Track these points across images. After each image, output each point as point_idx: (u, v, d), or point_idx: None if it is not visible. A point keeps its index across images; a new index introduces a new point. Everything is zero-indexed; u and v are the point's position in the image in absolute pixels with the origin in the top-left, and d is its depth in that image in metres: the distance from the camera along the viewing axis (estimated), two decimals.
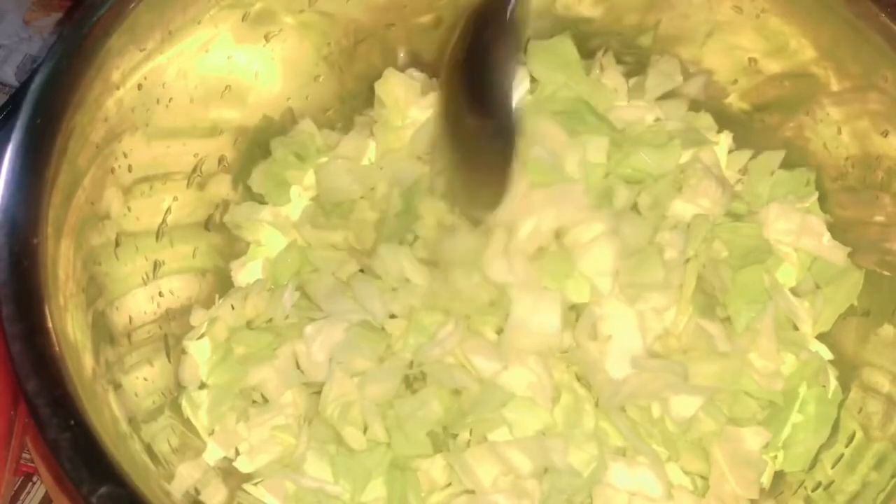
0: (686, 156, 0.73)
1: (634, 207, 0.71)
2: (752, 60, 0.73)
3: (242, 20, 0.68)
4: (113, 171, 0.61)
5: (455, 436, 0.64)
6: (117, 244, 0.62)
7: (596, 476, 0.62)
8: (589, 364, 0.64)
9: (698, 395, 0.63)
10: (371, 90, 0.79)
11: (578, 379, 0.65)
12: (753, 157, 0.76)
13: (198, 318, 0.71)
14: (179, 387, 0.68)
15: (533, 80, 0.76)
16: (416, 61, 0.81)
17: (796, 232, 0.71)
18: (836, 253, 0.70)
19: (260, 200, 0.77)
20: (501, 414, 0.63)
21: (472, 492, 0.63)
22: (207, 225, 0.74)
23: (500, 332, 0.65)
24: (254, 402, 0.69)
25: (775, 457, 0.67)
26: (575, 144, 0.70)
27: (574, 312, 0.66)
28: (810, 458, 0.66)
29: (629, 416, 0.64)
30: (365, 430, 0.65)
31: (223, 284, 0.75)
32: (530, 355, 0.63)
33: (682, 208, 0.70)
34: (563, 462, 0.61)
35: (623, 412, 0.64)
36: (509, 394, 0.63)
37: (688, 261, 0.65)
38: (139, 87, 0.62)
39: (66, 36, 0.58)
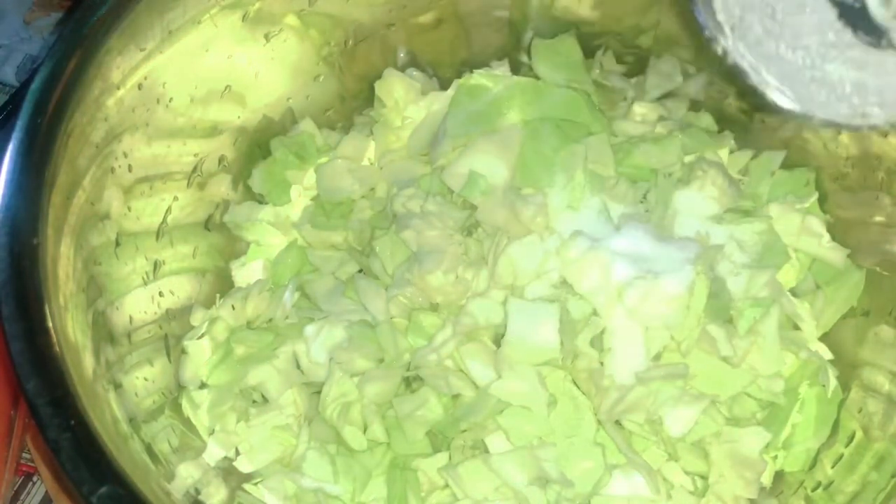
0: (691, 157, 0.73)
1: (643, 205, 0.70)
2: None
3: (242, 20, 0.68)
4: (113, 170, 0.61)
5: (452, 440, 0.64)
6: (117, 244, 0.62)
7: (600, 486, 0.62)
8: (589, 373, 0.64)
9: (697, 405, 0.63)
10: (371, 90, 0.79)
11: (577, 385, 0.65)
12: (754, 157, 0.76)
13: (198, 317, 0.71)
14: (179, 387, 0.68)
15: (536, 77, 0.76)
16: (416, 61, 0.81)
17: (796, 233, 0.71)
18: (835, 254, 0.70)
19: (260, 200, 0.77)
20: (496, 420, 0.63)
21: None
22: (207, 225, 0.74)
23: (496, 339, 0.65)
24: (254, 402, 0.69)
25: (775, 457, 0.67)
26: (575, 151, 0.70)
27: (579, 321, 0.66)
28: (810, 458, 0.66)
29: (626, 427, 0.64)
30: (365, 430, 0.65)
31: (223, 284, 0.75)
32: (524, 365, 0.63)
33: (690, 200, 0.69)
34: (556, 472, 0.61)
35: (619, 425, 0.64)
36: (504, 403, 0.63)
37: (698, 273, 0.65)
38: (139, 87, 0.62)
39: (66, 36, 0.58)
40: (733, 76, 0.52)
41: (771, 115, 0.75)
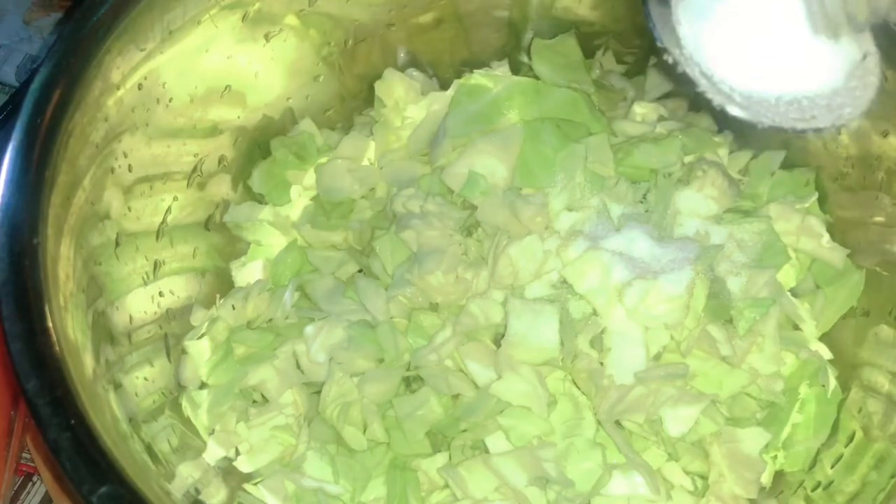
0: (691, 157, 0.73)
1: (643, 205, 0.70)
2: None
3: (242, 20, 0.68)
4: (113, 170, 0.61)
5: (452, 440, 0.64)
6: (117, 244, 0.62)
7: (600, 486, 0.62)
8: (589, 373, 0.64)
9: (697, 405, 0.63)
10: (371, 90, 0.79)
11: (577, 385, 0.65)
12: (753, 157, 0.76)
13: (198, 317, 0.71)
14: (179, 387, 0.68)
15: (536, 77, 0.76)
16: (416, 61, 0.81)
17: (795, 233, 0.71)
18: (835, 254, 0.70)
19: (260, 200, 0.77)
20: (496, 420, 0.63)
21: None
22: (207, 225, 0.74)
23: (496, 339, 0.65)
24: (254, 402, 0.69)
25: (775, 457, 0.68)
26: (575, 151, 0.70)
27: (579, 322, 0.66)
28: (810, 458, 0.66)
29: (626, 427, 0.64)
30: (365, 430, 0.65)
31: (223, 284, 0.75)
32: (524, 365, 0.63)
33: (690, 200, 0.69)
34: (556, 472, 0.61)
35: (619, 426, 0.64)
36: (504, 403, 0.63)
37: (698, 274, 0.65)
38: (139, 87, 0.62)
39: (66, 36, 0.58)
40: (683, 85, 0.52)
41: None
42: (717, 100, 0.53)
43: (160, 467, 0.58)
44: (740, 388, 0.65)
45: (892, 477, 0.59)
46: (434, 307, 0.68)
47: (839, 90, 0.53)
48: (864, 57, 0.53)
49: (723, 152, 0.76)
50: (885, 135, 0.65)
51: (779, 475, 0.68)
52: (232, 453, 0.67)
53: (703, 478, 0.65)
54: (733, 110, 0.52)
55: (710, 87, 0.53)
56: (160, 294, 0.67)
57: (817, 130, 0.53)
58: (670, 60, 0.52)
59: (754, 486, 0.64)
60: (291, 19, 0.72)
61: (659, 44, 0.52)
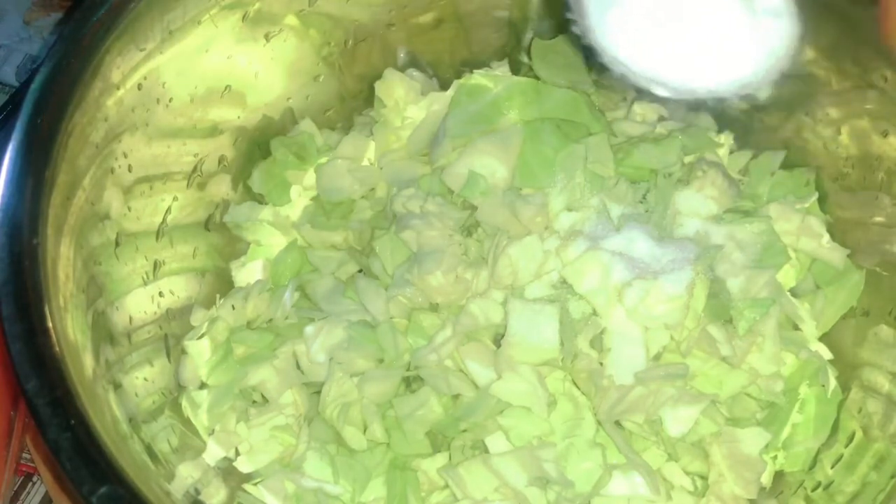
0: (691, 157, 0.73)
1: (643, 205, 0.70)
2: None
3: (242, 20, 0.68)
4: (113, 171, 0.61)
5: (452, 440, 0.64)
6: (117, 244, 0.62)
7: (600, 486, 0.62)
8: (588, 373, 0.64)
9: (697, 405, 0.63)
10: (371, 90, 0.79)
11: (577, 386, 0.65)
12: (753, 157, 0.76)
13: (198, 318, 0.71)
14: (179, 387, 0.68)
15: (536, 77, 0.76)
16: (416, 61, 0.81)
17: (795, 233, 0.71)
18: (835, 255, 0.70)
19: (260, 200, 0.77)
20: (496, 420, 0.63)
21: None
22: (207, 225, 0.74)
23: (496, 339, 0.65)
24: (254, 402, 0.69)
25: (775, 457, 0.68)
26: (575, 151, 0.70)
27: (579, 322, 0.66)
28: (810, 459, 0.67)
29: (625, 427, 0.64)
30: (365, 430, 0.65)
31: (223, 284, 0.75)
32: (524, 365, 0.63)
33: (690, 200, 0.70)
34: (556, 472, 0.61)
35: (619, 426, 0.64)
36: (504, 403, 0.63)
37: (698, 274, 0.65)
38: (139, 87, 0.62)
39: (66, 36, 0.58)
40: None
41: (771, 114, 0.75)
42: (616, 68, 0.53)
43: (160, 467, 0.58)
44: (740, 388, 0.65)
45: (892, 477, 0.59)
46: (434, 307, 0.68)
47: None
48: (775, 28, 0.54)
49: (723, 152, 0.76)
50: (885, 135, 0.65)
51: (779, 475, 0.68)
52: (232, 453, 0.67)
53: (703, 478, 0.65)
54: (640, 82, 0.53)
55: (614, 62, 0.53)
56: (160, 294, 0.67)
57: (720, 100, 0.55)
58: (578, 31, 0.53)
59: (754, 487, 0.64)
60: (291, 19, 0.72)
61: (568, 14, 0.53)
